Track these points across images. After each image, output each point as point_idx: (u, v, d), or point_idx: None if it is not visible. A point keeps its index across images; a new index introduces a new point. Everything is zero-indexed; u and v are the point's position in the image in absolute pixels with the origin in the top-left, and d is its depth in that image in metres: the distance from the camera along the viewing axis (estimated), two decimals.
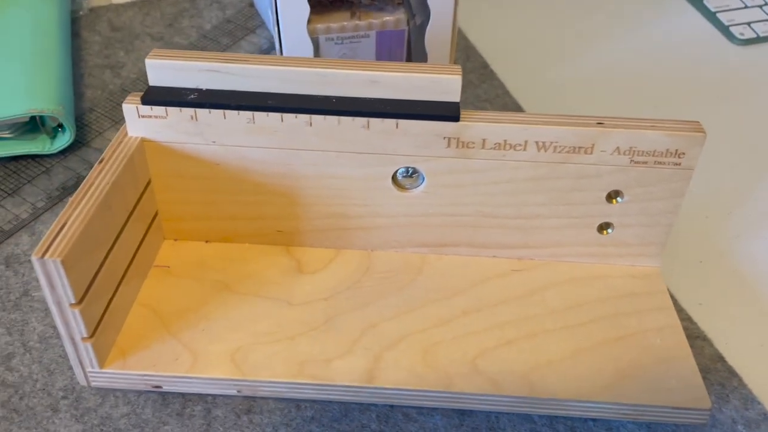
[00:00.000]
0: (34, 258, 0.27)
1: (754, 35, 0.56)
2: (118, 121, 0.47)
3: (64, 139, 0.43)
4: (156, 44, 0.53)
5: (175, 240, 0.37)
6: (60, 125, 0.43)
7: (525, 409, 0.31)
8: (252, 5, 0.57)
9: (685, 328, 0.35)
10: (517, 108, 0.49)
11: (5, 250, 0.38)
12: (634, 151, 0.32)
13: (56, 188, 0.42)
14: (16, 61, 0.44)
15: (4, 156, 0.43)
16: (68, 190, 0.42)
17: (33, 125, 0.43)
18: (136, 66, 0.51)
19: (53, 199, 0.41)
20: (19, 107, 0.41)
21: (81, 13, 0.55)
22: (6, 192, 0.42)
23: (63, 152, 0.44)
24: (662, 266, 0.37)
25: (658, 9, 0.59)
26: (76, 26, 0.54)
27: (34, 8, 0.48)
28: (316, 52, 0.43)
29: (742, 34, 0.56)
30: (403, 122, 0.32)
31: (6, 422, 0.31)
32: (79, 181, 0.42)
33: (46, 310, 0.36)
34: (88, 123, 0.46)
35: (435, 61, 0.44)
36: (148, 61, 0.32)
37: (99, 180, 0.31)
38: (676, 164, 0.33)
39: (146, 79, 0.50)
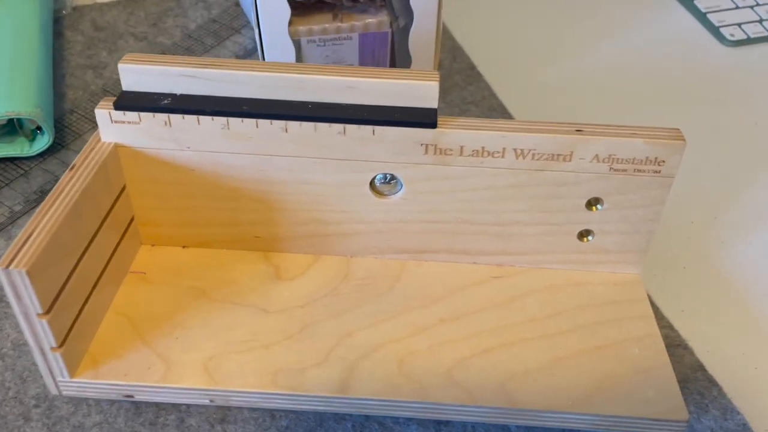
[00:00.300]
0: None
1: (745, 36, 0.55)
2: None
3: (42, 142, 0.43)
4: (139, 44, 0.53)
5: (152, 245, 0.37)
6: (39, 127, 0.43)
7: (501, 420, 0.31)
8: (238, 5, 0.57)
9: (666, 336, 0.35)
10: (503, 110, 0.48)
11: None
12: (613, 158, 0.32)
13: (34, 191, 0.41)
14: None
15: None
16: (46, 193, 0.41)
17: (11, 128, 0.43)
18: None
19: (31, 202, 0.41)
20: None
21: (64, 12, 0.55)
22: None
23: (42, 155, 0.43)
24: (643, 273, 0.37)
25: (647, 9, 0.58)
26: (58, 25, 0.54)
27: (15, 8, 0.48)
28: (298, 55, 0.43)
29: (732, 35, 0.55)
30: (379, 129, 0.32)
31: None
32: None
33: None
34: (68, 125, 0.46)
35: (419, 63, 0.43)
36: (121, 66, 0.32)
37: (69, 187, 0.30)
38: (656, 172, 0.32)
39: None
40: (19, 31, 0.46)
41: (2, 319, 0.35)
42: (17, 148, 0.43)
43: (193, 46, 0.53)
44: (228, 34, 0.54)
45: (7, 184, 0.42)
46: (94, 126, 0.46)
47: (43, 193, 0.41)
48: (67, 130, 0.46)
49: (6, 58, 0.44)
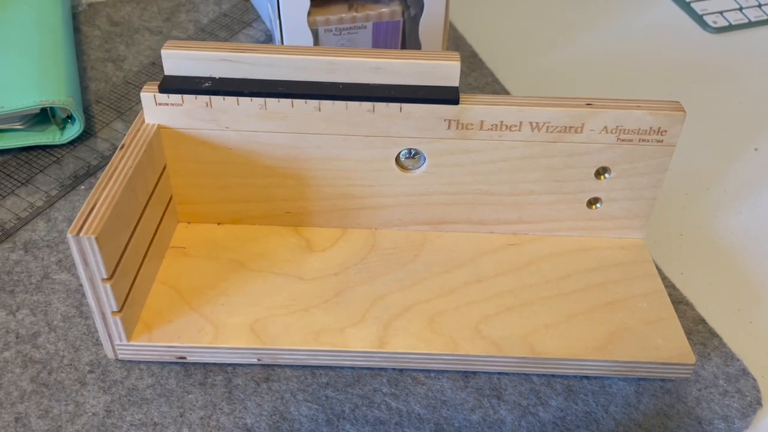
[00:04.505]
0: (69, 236, 0.29)
1: (727, 23, 0.59)
2: (124, 112, 0.48)
3: (73, 130, 0.45)
4: (155, 38, 0.55)
5: (189, 223, 0.39)
6: (69, 116, 0.45)
7: (525, 369, 0.33)
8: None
9: (669, 294, 0.38)
10: (506, 94, 0.51)
11: (23, 237, 0.40)
12: (620, 129, 0.35)
13: (68, 177, 0.43)
14: (24, 54, 0.46)
15: (15, 147, 0.44)
16: (80, 178, 0.43)
17: (43, 116, 0.45)
18: (137, 59, 0.53)
19: (66, 187, 0.43)
20: (31, 99, 0.43)
21: (80, 8, 0.57)
22: (19, 181, 0.43)
23: (72, 143, 0.45)
24: (647, 238, 0.40)
25: (636, 0, 0.62)
26: (75, 21, 0.56)
27: (39, 3, 0.50)
28: (315, 43, 0.45)
29: (715, 22, 0.59)
30: (406, 106, 0.34)
31: (37, 395, 0.33)
32: (89, 170, 0.44)
33: (67, 292, 0.37)
34: (94, 114, 0.48)
35: (428, 51, 0.46)
36: (164, 52, 0.34)
37: (122, 164, 0.32)
38: (659, 141, 0.35)
39: (148, 72, 0.52)
40: (44, 24, 0.48)
41: (50, 295, 0.37)
42: (49, 136, 0.45)
43: (207, 39, 0.55)
44: (240, 27, 0.56)
45: (41, 171, 0.44)
46: (120, 115, 0.48)
47: (76, 179, 0.43)
48: (94, 119, 0.48)
49: (34, 49, 0.46)
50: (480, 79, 0.53)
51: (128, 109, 0.49)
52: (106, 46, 0.54)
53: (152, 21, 0.56)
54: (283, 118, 0.35)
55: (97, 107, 0.48)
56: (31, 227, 0.41)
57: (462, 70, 0.53)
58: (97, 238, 0.29)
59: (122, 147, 0.33)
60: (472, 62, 0.54)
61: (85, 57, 0.53)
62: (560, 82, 0.53)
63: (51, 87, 0.44)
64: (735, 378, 0.35)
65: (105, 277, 0.30)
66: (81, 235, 0.29)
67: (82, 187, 0.43)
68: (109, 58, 0.53)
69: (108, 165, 0.32)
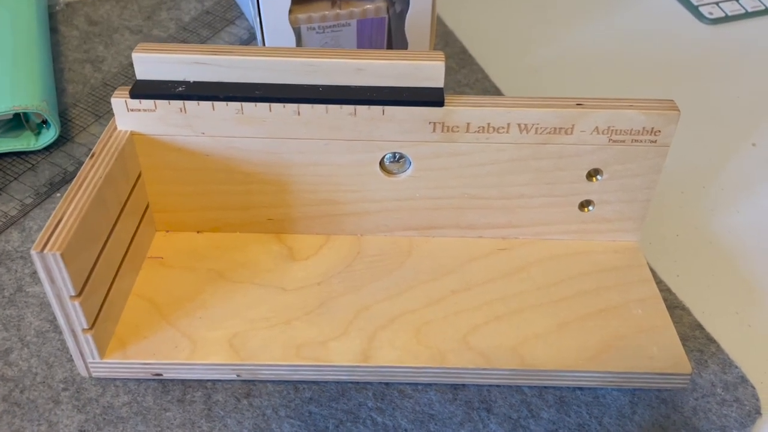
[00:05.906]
0: (33, 252, 0.27)
1: (723, 14, 0.57)
2: (102, 115, 0.47)
3: (48, 135, 0.43)
4: (135, 37, 0.53)
5: (167, 231, 0.38)
6: (44, 121, 0.43)
7: (516, 381, 0.32)
8: None
9: (665, 299, 0.37)
10: (497, 91, 0.50)
11: None
12: (612, 130, 0.33)
13: (43, 184, 0.42)
14: None
15: None
16: (56, 186, 0.42)
17: (17, 122, 0.43)
18: (116, 60, 0.51)
19: (41, 195, 0.41)
20: (3, 104, 0.41)
21: (57, 8, 0.55)
22: None
23: (48, 148, 0.44)
24: (641, 240, 0.38)
25: None
26: (53, 21, 0.54)
27: (12, 4, 0.48)
28: (298, 42, 0.44)
29: (711, 13, 0.57)
30: (389, 108, 0.33)
31: (8, 416, 0.32)
32: (65, 176, 0.42)
33: (42, 305, 0.36)
34: (71, 118, 0.46)
35: (415, 48, 0.45)
36: (134, 55, 0.33)
37: (92, 175, 0.31)
38: (653, 141, 0.34)
39: (128, 73, 0.50)
40: (17, 26, 0.47)
41: (23, 308, 0.36)
42: (23, 142, 0.43)
43: (189, 38, 0.53)
44: (222, 25, 0.55)
45: (15, 178, 0.42)
46: (98, 119, 0.47)
47: (52, 186, 0.42)
48: (71, 123, 0.46)
49: (8, 52, 0.45)
50: (470, 75, 0.51)
51: (106, 112, 0.47)
52: (84, 46, 0.52)
53: (132, 20, 0.55)
54: (261, 122, 0.34)
55: (75, 111, 0.47)
56: (5, 238, 0.39)
57: (451, 67, 0.52)
58: (62, 255, 0.27)
59: (92, 156, 0.32)
60: (462, 58, 0.53)
61: (62, 58, 0.51)
62: (552, 77, 0.51)
63: (24, 91, 0.42)
64: (733, 386, 0.33)
65: (73, 294, 0.29)
66: (45, 251, 0.27)
67: (58, 194, 0.41)
68: (87, 59, 0.51)
69: (76, 176, 0.31)
